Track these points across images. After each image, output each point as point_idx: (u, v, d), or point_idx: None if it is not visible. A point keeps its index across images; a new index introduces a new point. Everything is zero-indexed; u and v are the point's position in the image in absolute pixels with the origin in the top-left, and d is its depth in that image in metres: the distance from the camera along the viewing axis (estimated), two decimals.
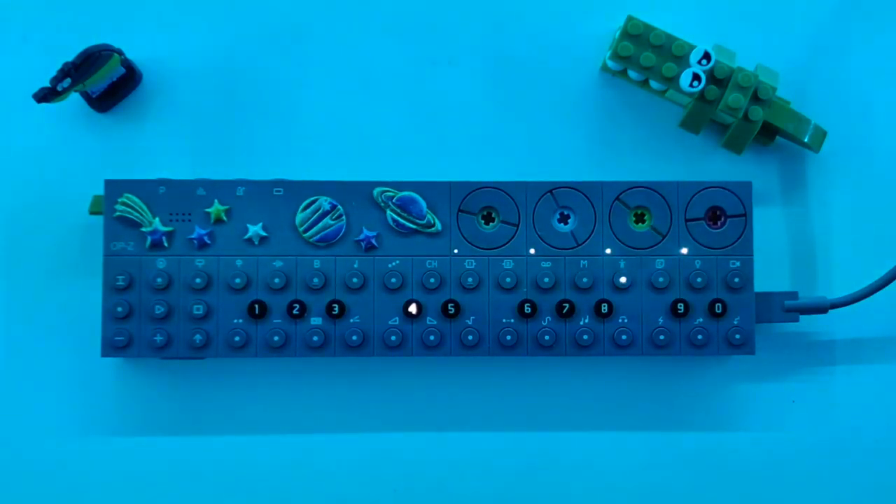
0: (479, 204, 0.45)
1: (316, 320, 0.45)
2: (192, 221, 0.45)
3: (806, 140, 0.46)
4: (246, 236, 0.45)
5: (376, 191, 0.45)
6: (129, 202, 0.44)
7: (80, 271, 0.46)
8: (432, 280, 0.45)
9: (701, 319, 0.45)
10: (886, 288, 0.46)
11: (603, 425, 0.47)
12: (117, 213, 0.44)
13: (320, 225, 0.45)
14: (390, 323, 0.45)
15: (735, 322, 0.45)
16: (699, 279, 0.45)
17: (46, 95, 0.43)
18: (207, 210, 0.45)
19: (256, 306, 0.44)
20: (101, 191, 0.45)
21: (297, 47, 0.48)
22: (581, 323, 0.45)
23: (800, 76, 0.48)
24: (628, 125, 0.48)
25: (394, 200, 0.45)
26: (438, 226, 0.45)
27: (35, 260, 0.47)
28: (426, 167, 0.47)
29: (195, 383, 0.47)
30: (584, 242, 0.45)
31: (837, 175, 0.48)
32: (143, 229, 0.44)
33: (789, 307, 0.46)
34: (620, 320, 0.45)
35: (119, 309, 0.44)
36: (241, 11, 0.48)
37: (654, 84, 0.46)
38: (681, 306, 0.45)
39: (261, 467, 0.47)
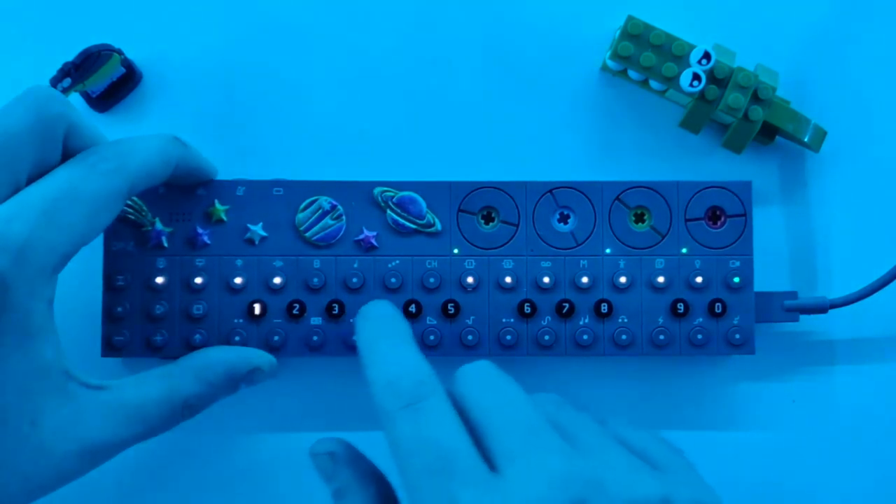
0: (478, 204, 0.45)
1: (315, 320, 0.45)
2: (192, 221, 0.45)
3: (806, 140, 0.46)
4: (246, 236, 0.45)
5: (376, 191, 0.45)
6: (129, 202, 0.44)
7: (80, 271, 0.46)
8: (432, 280, 0.45)
9: (701, 319, 0.45)
10: (886, 288, 0.45)
11: None
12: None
13: (320, 225, 0.45)
14: None
15: (735, 322, 0.45)
16: (699, 279, 0.45)
17: None
18: (207, 210, 0.45)
19: (256, 306, 0.44)
20: None
21: (297, 47, 0.48)
22: (581, 323, 0.45)
23: (800, 76, 0.48)
24: (628, 125, 0.48)
25: (394, 200, 0.45)
26: (438, 226, 0.45)
27: None
28: (426, 167, 0.47)
29: None
30: (583, 242, 0.45)
31: (837, 175, 0.48)
32: (143, 229, 0.44)
33: (789, 307, 0.46)
34: (620, 320, 0.45)
35: (119, 309, 0.44)
36: (241, 11, 0.48)
37: (654, 84, 0.46)
38: (681, 306, 0.45)
39: (259, 467, 0.47)
